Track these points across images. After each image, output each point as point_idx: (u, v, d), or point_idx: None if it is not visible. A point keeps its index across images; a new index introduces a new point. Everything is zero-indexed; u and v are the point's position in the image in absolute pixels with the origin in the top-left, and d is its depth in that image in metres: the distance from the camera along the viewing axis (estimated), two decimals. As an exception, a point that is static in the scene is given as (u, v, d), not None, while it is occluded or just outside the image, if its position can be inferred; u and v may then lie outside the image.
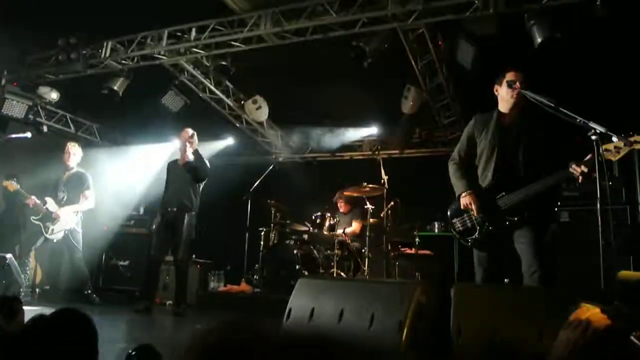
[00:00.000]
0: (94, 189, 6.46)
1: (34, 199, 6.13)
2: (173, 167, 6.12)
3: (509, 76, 3.60)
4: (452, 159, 3.98)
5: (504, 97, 3.64)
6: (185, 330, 4.99)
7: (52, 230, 6.10)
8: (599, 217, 3.12)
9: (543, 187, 3.37)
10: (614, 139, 3.09)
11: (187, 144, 5.94)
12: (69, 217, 6.22)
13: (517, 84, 3.53)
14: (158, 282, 6.37)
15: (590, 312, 1.18)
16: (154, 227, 6.19)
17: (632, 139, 3.06)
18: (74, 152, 6.45)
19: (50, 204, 6.16)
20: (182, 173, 5.96)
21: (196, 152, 5.93)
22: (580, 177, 3.21)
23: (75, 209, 6.28)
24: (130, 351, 1.92)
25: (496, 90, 3.71)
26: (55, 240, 6.16)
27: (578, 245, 5.29)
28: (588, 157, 3.20)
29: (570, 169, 3.25)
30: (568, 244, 5.44)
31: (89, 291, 6.37)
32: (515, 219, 3.45)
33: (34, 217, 6.13)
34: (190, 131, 6.03)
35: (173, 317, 5.71)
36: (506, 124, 3.65)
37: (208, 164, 6.05)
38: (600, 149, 3.06)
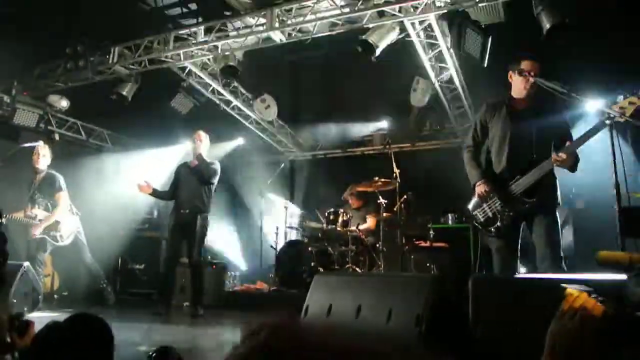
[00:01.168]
0: (65, 190, 6.16)
1: None
2: (183, 169, 6.15)
3: (524, 65, 3.59)
4: (466, 146, 3.99)
5: (518, 85, 3.64)
6: (203, 332, 5.00)
7: (61, 236, 6.02)
8: (616, 203, 3.09)
9: (551, 165, 3.38)
10: (619, 98, 3.08)
11: (196, 146, 6.01)
12: (69, 219, 6.14)
13: (532, 74, 3.52)
14: (174, 284, 6.35)
15: (583, 300, 1.17)
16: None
17: (629, 100, 3.05)
18: (44, 154, 6.15)
19: (41, 214, 5.95)
20: (191, 174, 6.02)
21: (199, 157, 5.94)
22: (558, 163, 3.29)
23: (53, 215, 5.98)
24: (150, 353, 1.92)
25: (510, 77, 3.71)
26: (67, 244, 6.09)
27: (595, 232, 5.23)
28: (567, 144, 3.29)
29: (552, 158, 3.30)
30: (585, 231, 5.39)
31: (104, 284, 6.48)
32: (534, 199, 3.46)
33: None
34: (200, 134, 6.06)
35: (190, 319, 5.73)
36: (518, 109, 3.67)
37: (216, 167, 6.04)
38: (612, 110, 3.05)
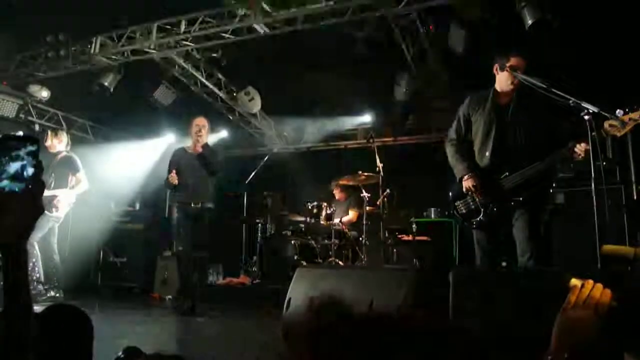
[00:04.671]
0: (83, 171, 6.08)
1: None
2: (183, 156, 5.70)
3: (512, 61, 3.54)
4: (449, 139, 3.94)
5: (504, 80, 3.60)
6: (186, 326, 4.98)
7: (57, 209, 5.80)
8: (594, 198, 3.12)
9: (546, 166, 3.37)
10: (618, 112, 3.06)
11: (197, 137, 5.57)
12: (66, 194, 5.92)
13: (519, 71, 3.49)
14: (192, 277, 5.66)
15: (589, 288, 1.17)
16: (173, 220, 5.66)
17: (630, 116, 3.03)
18: (58, 138, 6.13)
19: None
20: (196, 163, 5.57)
21: (206, 146, 5.58)
22: (582, 155, 3.19)
23: (71, 193, 5.94)
24: (119, 354, 1.90)
25: (496, 70, 3.65)
26: (62, 217, 5.93)
27: (574, 226, 5.30)
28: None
29: (575, 149, 3.22)
30: (564, 225, 5.45)
31: (54, 284, 5.85)
32: (520, 198, 3.45)
33: None
34: (203, 120, 5.70)
35: (181, 315, 5.33)
36: (503, 103, 3.64)
37: (222, 157, 5.72)
38: (593, 128, 3.06)
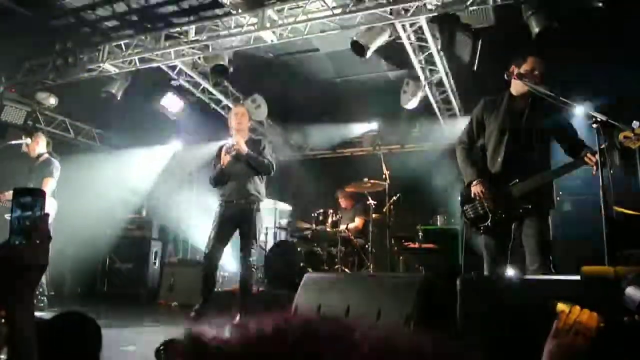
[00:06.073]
0: (55, 178, 5.76)
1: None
2: (227, 151, 5.16)
3: (529, 64, 3.50)
4: (460, 142, 3.89)
5: (519, 84, 3.55)
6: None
7: None
8: (602, 206, 3.09)
9: (557, 175, 3.35)
10: (634, 124, 3.02)
11: (237, 126, 5.12)
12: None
13: (535, 75, 3.45)
14: (215, 282, 5.30)
15: (576, 314, 1.17)
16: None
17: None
18: (35, 141, 5.93)
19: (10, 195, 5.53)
20: (237, 158, 5.11)
21: (249, 142, 5.07)
22: (595, 167, 3.14)
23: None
24: (159, 347, 1.91)
25: (512, 70, 3.56)
26: None
27: (581, 235, 5.26)
28: (603, 146, 3.12)
29: (585, 159, 3.22)
30: (570, 233, 5.41)
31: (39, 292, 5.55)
32: (530, 206, 3.41)
33: (7, 215, 5.35)
34: (239, 110, 5.29)
35: (195, 323, 5.18)
36: (518, 108, 3.58)
37: (269, 157, 5.19)
38: (602, 137, 3.04)
